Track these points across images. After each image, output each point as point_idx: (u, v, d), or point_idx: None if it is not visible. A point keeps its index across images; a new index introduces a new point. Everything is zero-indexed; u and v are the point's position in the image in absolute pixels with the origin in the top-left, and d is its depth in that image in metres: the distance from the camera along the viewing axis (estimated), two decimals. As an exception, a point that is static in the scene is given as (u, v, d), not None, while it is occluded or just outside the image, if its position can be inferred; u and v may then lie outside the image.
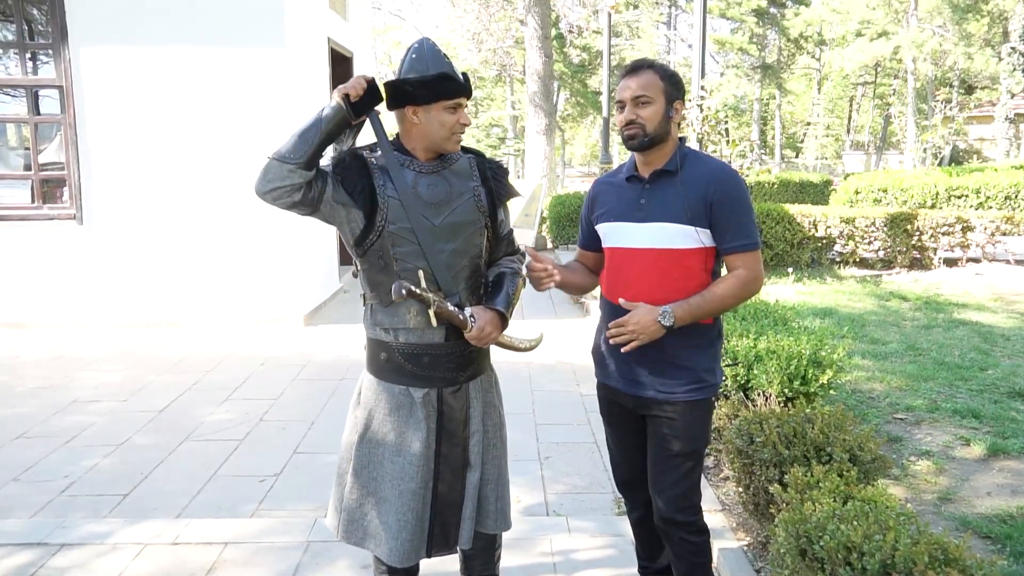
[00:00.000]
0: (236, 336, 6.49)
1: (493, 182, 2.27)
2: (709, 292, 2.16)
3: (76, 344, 6.28)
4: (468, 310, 2.15)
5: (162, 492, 3.64)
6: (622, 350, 2.16)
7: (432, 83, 2.09)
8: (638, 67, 2.22)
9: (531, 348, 2.39)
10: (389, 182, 2.13)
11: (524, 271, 2.27)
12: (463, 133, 2.17)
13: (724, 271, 2.30)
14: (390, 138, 2.22)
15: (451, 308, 2.11)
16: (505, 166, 2.42)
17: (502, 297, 2.21)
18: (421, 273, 2.10)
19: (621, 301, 2.19)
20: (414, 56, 2.14)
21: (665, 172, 2.20)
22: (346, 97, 2.06)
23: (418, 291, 2.05)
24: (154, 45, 6.45)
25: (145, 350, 6.11)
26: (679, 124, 2.27)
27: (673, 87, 2.20)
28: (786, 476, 2.67)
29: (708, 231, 2.17)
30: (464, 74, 2.17)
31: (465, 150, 2.29)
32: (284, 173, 2.04)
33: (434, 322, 2.10)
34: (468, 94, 2.15)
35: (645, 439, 2.35)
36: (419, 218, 2.12)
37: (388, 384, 2.22)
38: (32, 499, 3.55)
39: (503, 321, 2.19)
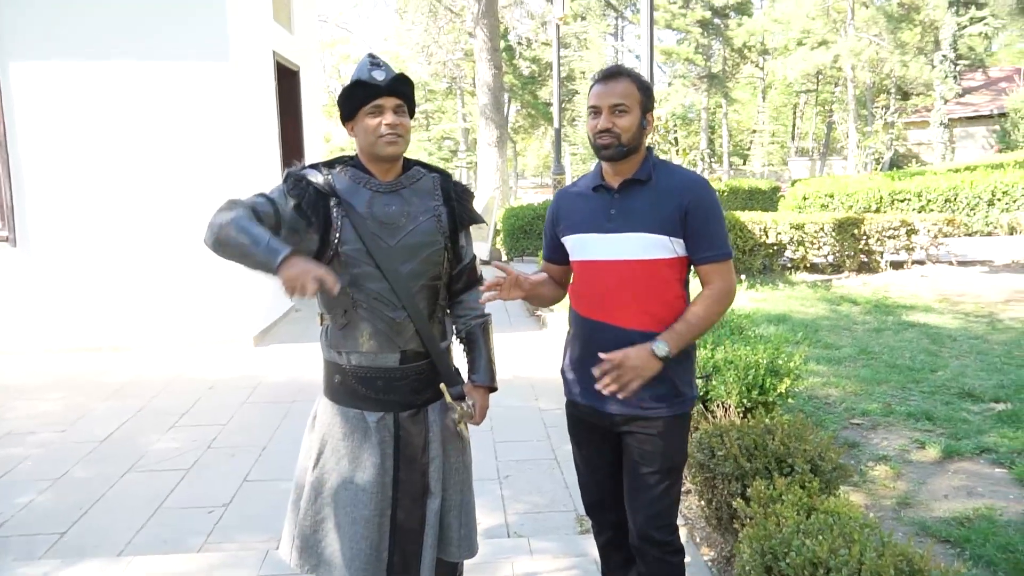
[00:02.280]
0: (183, 359, 6.27)
1: (456, 203, 2.19)
2: (691, 315, 2.11)
3: (11, 372, 5.99)
4: (467, 399, 2.21)
5: (103, 528, 3.45)
6: (620, 395, 2.07)
7: (347, 93, 2.05)
8: (615, 74, 2.15)
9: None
10: (344, 202, 2.06)
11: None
12: (394, 135, 2.04)
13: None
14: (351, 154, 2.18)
15: (465, 409, 2.18)
16: (472, 191, 2.33)
17: (484, 368, 2.27)
18: (443, 387, 2.16)
19: (601, 355, 2.09)
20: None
21: (636, 181, 2.14)
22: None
23: (456, 416, 2.17)
24: (92, 59, 6.22)
25: (86, 376, 5.85)
26: (648, 134, 2.23)
27: (647, 97, 2.16)
28: (748, 489, 2.64)
29: (682, 241, 2.12)
30: (400, 74, 2.06)
31: (431, 169, 2.22)
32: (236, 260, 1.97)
33: (466, 433, 2.22)
34: (389, 93, 2.03)
35: (617, 459, 2.27)
36: (373, 239, 2.05)
37: (342, 408, 2.16)
38: (-40, 542, 3.33)
39: (490, 391, 2.29)
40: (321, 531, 2.14)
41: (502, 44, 27.60)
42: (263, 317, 7.08)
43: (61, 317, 6.45)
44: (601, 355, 2.08)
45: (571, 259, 2.28)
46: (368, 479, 2.10)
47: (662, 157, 7.76)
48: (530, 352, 6.34)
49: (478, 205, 13.46)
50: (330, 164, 2.16)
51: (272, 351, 6.58)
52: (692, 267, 2.20)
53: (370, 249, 2.04)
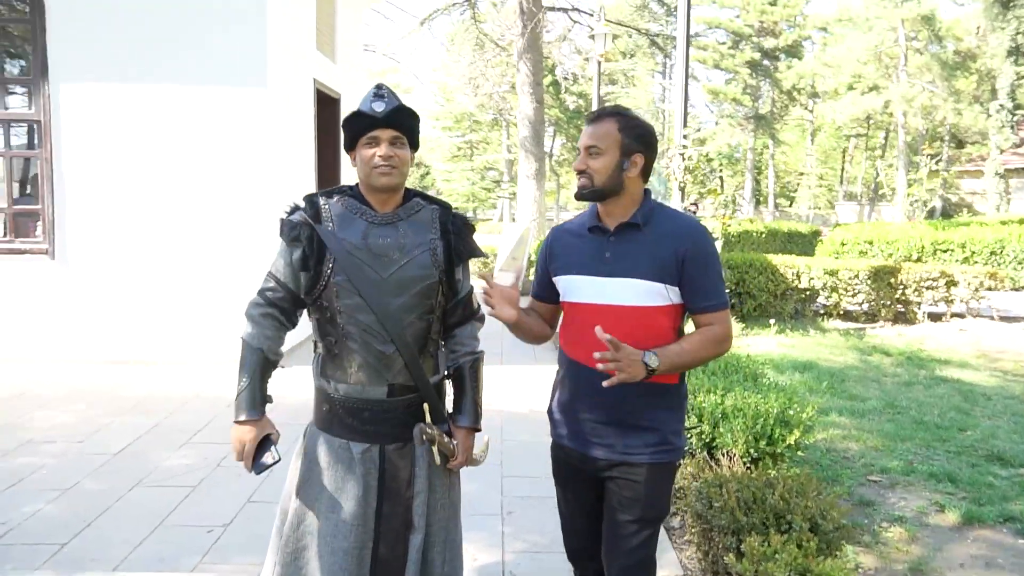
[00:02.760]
0: (205, 375, 6.35)
1: (453, 237, 2.17)
2: (688, 343, 2.05)
3: (40, 381, 6.14)
4: (450, 438, 2.19)
5: (104, 541, 3.48)
6: (604, 384, 1.98)
7: (347, 124, 2.08)
8: (597, 116, 2.13)
9: (483, 459, 2.37)
10: (338, 232, 2.08)
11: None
12: (388, 166, 2.05)
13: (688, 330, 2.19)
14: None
15: (446, 440, 2.14)
16: (472, 223, 2.30)
17: (469, 409, 2.26)
18: (426, 406, 2.12)
19: (597, 330, 1.97)
20: None
21: (631, 225, 2.09)
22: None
23: (431, 432, 2.11)
24: (134, 82, 6.44)
25: (110, 388, 5.96)
26: (645, 176, 2.15)
27: (633, 139, 2.08)
28: (743, 544, 2.55)
29: (677, 288, 2.06)
30: (399, 106, 2.07)
31: (432, 201, 2.22)
32: None
33: (437, 459, 2.15)
34: (386, 125, 2.05)
35: (600, 505, 2.22)
36: (363, 270, 2.05)
37: (329, 437, 2.16)
38: (-36, 547, 3.39)
39: (475, 433, 2.27)
40: (301, 559, 2.13)
41: (548, 79, 27.88)
42: (288, 338, 7.14)
43: (92, 329, 6.61)
44: (598, 330, 1.96)
45: (562, 299, 2.23)
46: (349, 511, 2.09)
47: (693, 196, 7.60)
48: (548, 386, 6.27)
49: (513, 236, 13.46)
50: (329, 193, 2.18)
51: (294, 372, 6.58)
52: (688, 315, 2.15)
53: (355, 282, 2.05)
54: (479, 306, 2.33)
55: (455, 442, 2.19)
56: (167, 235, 6.58)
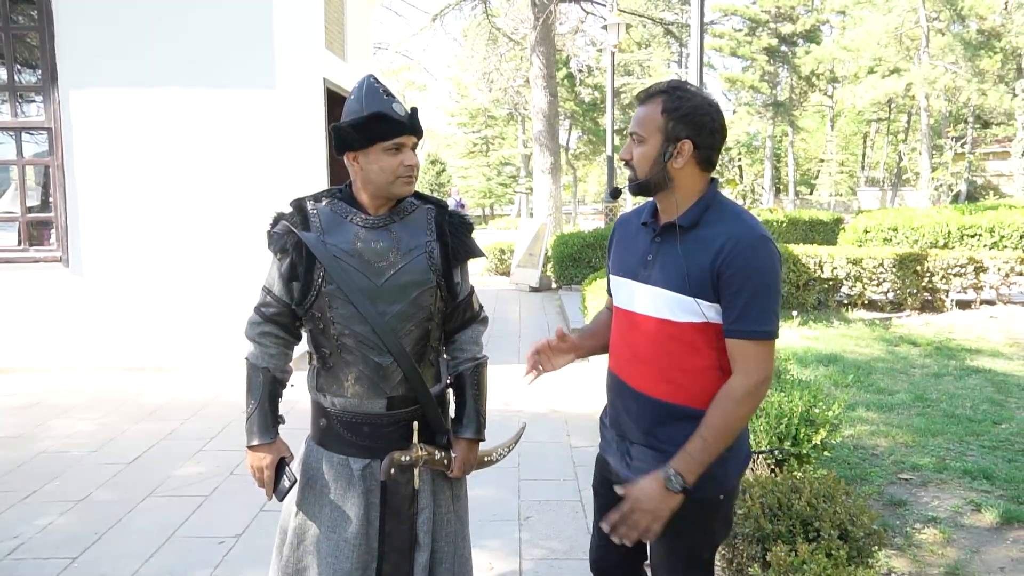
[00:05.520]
0: (221, 381, 6.31)
1: (450, 238, 2.06)
2: (708, 428, 1.75)
3: (57, 390, 6.13)
4: (444, 451, 2.10)
5: (115, 555, 3.43)
6: (628, 542, 1.78)
7: (365, 125, 1.92)
8: (646, 96, 1.86)
9: (504, 456, 2.31)
10: (327, 238, 1.98)
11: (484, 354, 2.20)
12: (412, 175, 1.97)
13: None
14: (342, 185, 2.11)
15: (437, 457, 2.06)
16: (470, 222, 2.18)
17: (471, 419, 2.15)
18: (416, 425, 2.03)
19: (616, 489, 1.82)
20: (352, 97, 2.00)
21: (675, 226, 1.82)
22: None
23: (406, 460, 2.00)
24: (143, 87, 6.39)
25: (126, 396, 5.94)
26: (705, 165, 1.84)
27: (679, 121, 1.78)
28: (769, 554, 2.43)
29: (718, 306, 1.77)
30: (414, 109, 1.99)
31: (425, 200, 2.11)
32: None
33: (417, 483, 2.05)
34: (412, 132, 1.96)
35: None
36: (356, 278, 1.95)
37: (327, 453, 2.07)
38: (-25, 563, 3.35)
39: (478, 443, 2.18)
40: None
41: (563, 72, 27.70)
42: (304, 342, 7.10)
43: (107, 336, 6.59)
44: (617, 489, 1.83)
45: (612, 301, 2.04)
46: (351, 530, 2.01)
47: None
48: (569, 385, 6.15)
49: (530, 233, 13.39)
50: (318, 197, 2.09)
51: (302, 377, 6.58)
52: None
53: (346, 290, 1.95)
54: (481, 308, 2.22)
55: (453, 454, 2.09)
56: (180, 240, 6.54)
